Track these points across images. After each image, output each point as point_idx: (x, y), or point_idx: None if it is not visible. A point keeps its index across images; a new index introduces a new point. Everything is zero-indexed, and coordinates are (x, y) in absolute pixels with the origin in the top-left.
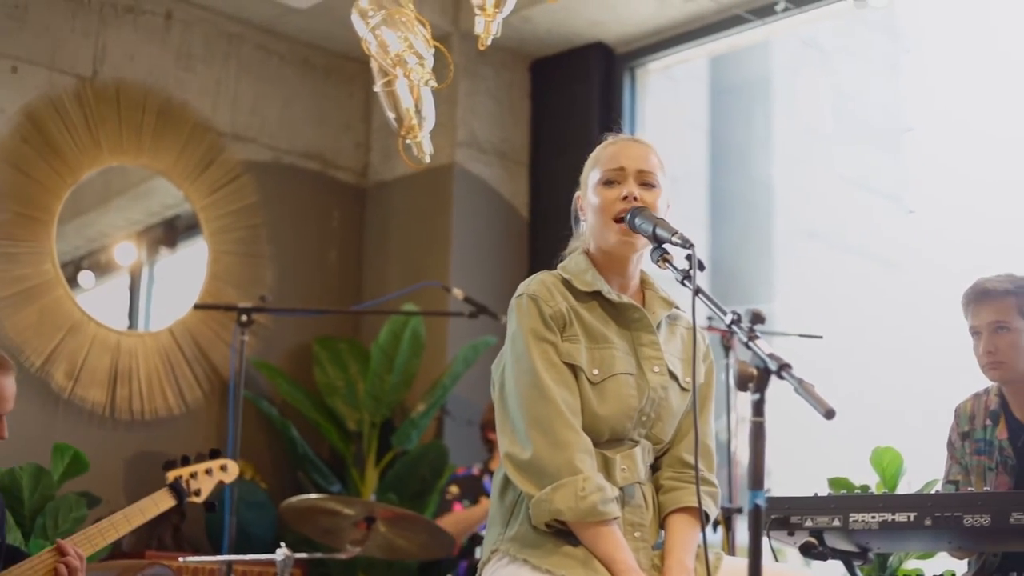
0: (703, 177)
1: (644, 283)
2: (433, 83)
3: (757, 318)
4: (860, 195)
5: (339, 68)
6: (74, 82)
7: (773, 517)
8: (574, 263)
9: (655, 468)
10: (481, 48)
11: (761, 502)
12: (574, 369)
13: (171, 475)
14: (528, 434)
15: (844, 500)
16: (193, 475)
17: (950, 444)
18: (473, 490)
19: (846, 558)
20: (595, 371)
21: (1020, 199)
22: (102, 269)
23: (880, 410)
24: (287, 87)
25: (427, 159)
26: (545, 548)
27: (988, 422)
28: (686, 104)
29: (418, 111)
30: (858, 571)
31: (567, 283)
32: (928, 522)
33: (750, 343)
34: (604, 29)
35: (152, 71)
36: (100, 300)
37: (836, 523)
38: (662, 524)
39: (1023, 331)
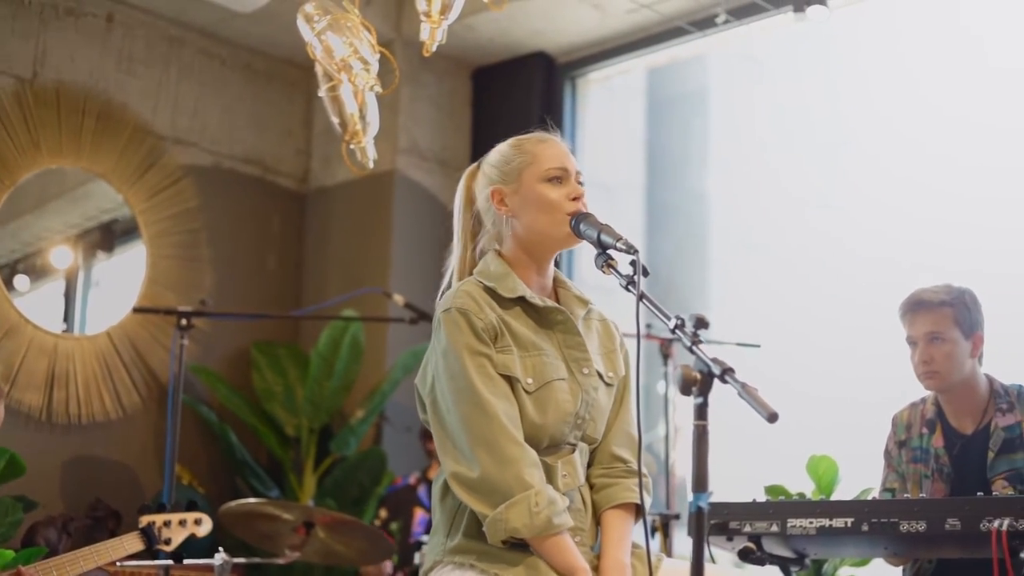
0: (640, 187)
1: (556, 281)
2: (378, 88)
3: (701, 323)
4: (796, 206)
5: (281, 73)
6: (13, 83)
7: (712, 522)
8: (492, 267)
9: (587, 466)
10: (426, 54)
11: (704, 505)
12: (510, 380)
13: (144, 520)
14: (473, 452)
15: (782, 506)
16: (167, 523)
17: (887, 453)
18: (406, 504)
19: (783, 563)
20: (529, 380)
21: (957, 210)
22: (37, 273)
23: (816, 419)
24: (228, 92)
25: (371, 164)
26: (492, 556)
27: (924, 430)
28: (625, 114)
29: (362, 116)
30: None
31: (490, 291)
32: (865, 528)
33: (694, 347)
34: (546, 39)
35: (92, 73)
36: (35, 304)
37: (774, 528)
38: (597, 522)
39: (958, 341)
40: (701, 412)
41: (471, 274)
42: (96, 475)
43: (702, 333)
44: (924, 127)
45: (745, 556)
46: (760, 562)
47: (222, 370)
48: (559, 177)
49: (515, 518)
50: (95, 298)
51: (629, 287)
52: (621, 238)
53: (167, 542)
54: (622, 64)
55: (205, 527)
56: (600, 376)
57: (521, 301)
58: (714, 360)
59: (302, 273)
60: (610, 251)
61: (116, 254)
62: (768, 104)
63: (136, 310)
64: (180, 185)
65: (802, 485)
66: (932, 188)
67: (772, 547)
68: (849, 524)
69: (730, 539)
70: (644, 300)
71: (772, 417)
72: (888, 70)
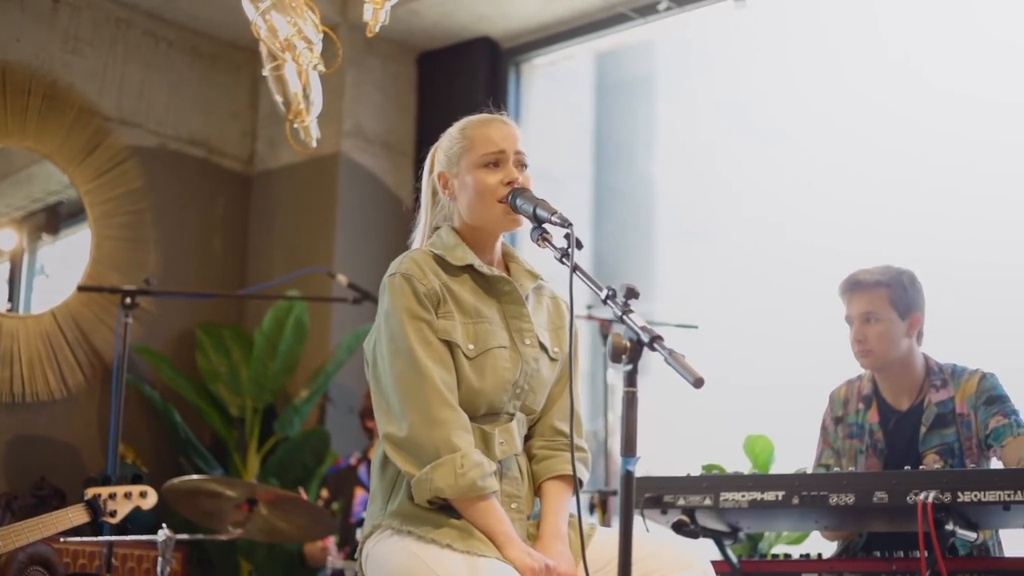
0: (585, 173)
1: (507, 256)
2: (321, 68)
3: (631, 293)
4: (740, 194)
5: (227, 56)
6: None
7: (647, 495)
8: (444, 239)
9: (527, 437)
10: (369, 35)
11: (633, 468)
12: (450, 345)
13: (90, 492)
14: (404, 413)
15: (716, 480)
16: (112, 496)
17: (823, 428)
18: (347, 484)
19: (717, 537)
20: (471, 346)
21: (891, 197)
22: None
23: (753, 399)
24: (174, 73)
25: (314, 143)
26: (428, 520)
27: (860, 406)
28: (570, 100)
29: (306, 96)
30: (728, 549)
31: (439, 259)
32: (796, 501)
33: (624, 316)
34: (491, 24)
35: (39, 54)
36: None
37: (707, 502)
38: (536, 492)
39: (893, 321)
40: (631, 379)
41: None
42: (40, 454)
43: (632, 303)
44: (855, 117)
45: (679, 529)
46: (694, 535)
47: (166, 351)
48: (494, 162)
49: (440, 478)
50: (41, 281)
51: (563, 259)
52: (556, 212)
53: (112, 514)
54: (567, 50)
55: (150, 500)
56: (544, 349)
57: (469, 269)
58: (643, 328)
59: (247, 255)
60: (545, 225)
61: (62, 236)
62: (711, 90)
63: (81, 288)
64: (125, 166)
65: (740, 464)
66: (868, 176)
67: (706, 520)
68: (780, 497)
69: (664, 512)
70: (577, 272)
71: (698, 382)
72: (817, 60)
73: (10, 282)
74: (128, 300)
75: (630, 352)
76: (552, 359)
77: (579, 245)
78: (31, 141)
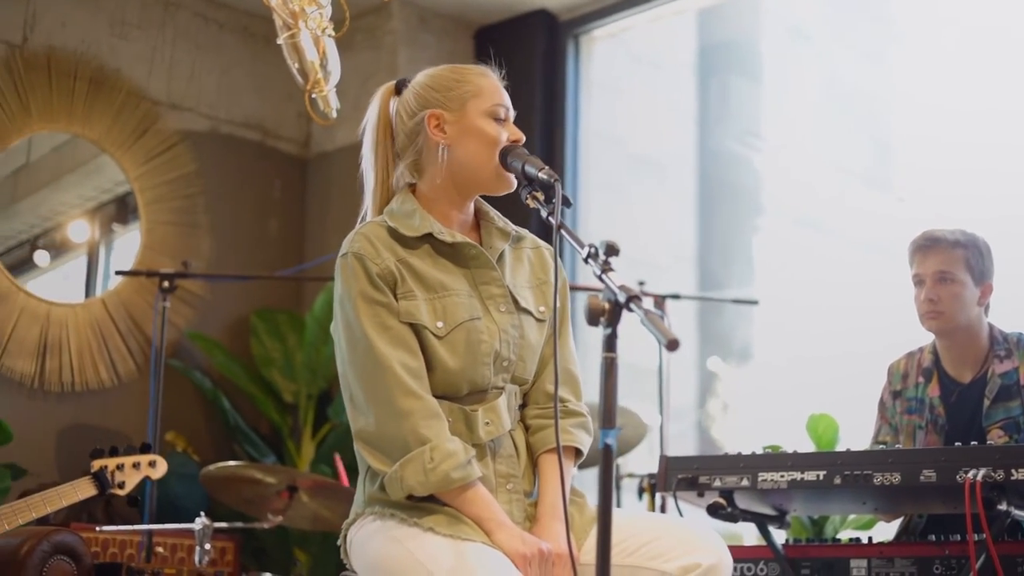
0: (646, 147)
1: (479, 212)
2: (331, 32)
3: (611, 250)
4: (848, 182)
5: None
6: (3, 49)
7: (680, 477)
8: (400, 205)
9: (522, 406)
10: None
11: (612, 441)
12: (416, 328)
13: (96, 464)
14: (369, 407)
15: (753, 459)
16: (120, 467)
17: (881, 404)
18: None
19: (759, 520)
20: (439, 324)
21: (1004, 184)
22: (57, 248)
23: (822, 377)
24: (226, 55)
25: (334, 114)
26: (412, 505)
27: (921, 379)
28: (632, 72)
29: (323, 65)
30: (772, 533)
31: (393, 231)
32: (838, 480)
33: (602, 275)
34: None
35: (85, 38)
36: (56, 280)
37: (745, 483)
38: (535, 467)
39: (967, 284)
40: (610, 344)
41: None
42: (91, 444)
43: (613, 260)
44: (971, 102)
45: (714, 512)
46: (732, 518)
47: (221, 337)
48: (503, 117)
49: (410, 476)
50: (109, 270)
51: (549, 217)
52: (544, 168)
53: (121, 485)
54: (626, 20)
55: (160, 469)
56: (528, 311)
57: (429, 239)
58: (621, 287)
59: (304, 238)
60: (535, 183)
61: (132, 227)
62: (819, 76)
63: (119, 273)
64: (176, 150)
65: (804, 445)
66: (981, 163)
67: (745, 502)
68: (821, 477)
69: (701, 494)
70: (562, 230)
71: (672, 344)
72: (939, 42)
73: (87, 274)
74: (166, 284)
75: (608, 314)
76: (539, 320)
77: (567, 203)
78: (78, 127)
